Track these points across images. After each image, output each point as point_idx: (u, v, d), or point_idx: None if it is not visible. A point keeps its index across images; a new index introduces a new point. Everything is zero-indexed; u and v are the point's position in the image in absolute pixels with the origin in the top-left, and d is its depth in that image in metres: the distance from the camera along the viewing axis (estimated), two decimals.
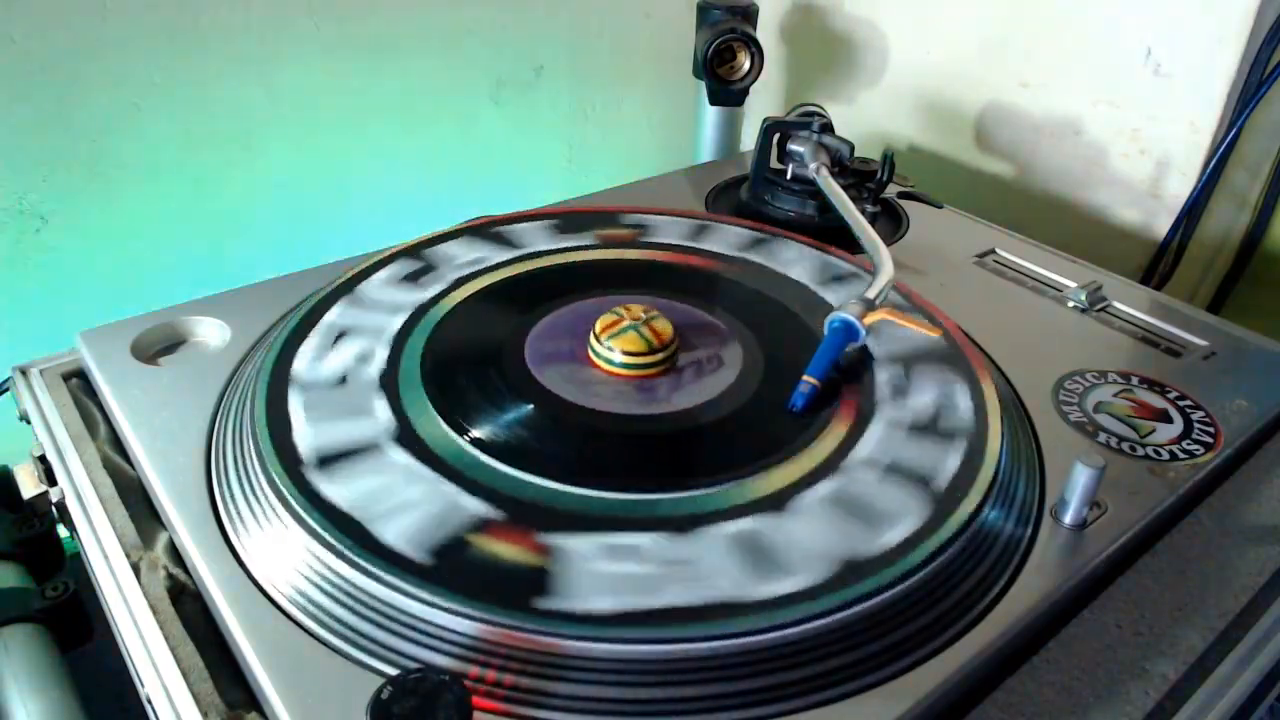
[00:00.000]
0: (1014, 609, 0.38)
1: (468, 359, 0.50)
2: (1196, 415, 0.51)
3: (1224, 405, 0.52)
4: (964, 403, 0.48)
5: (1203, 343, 0.58)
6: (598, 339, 0.49)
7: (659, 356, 0.49)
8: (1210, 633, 0.40)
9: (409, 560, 0.37)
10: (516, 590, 0.36)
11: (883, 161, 0.68)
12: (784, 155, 0.71)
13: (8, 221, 0.68)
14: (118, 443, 0.49)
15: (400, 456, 0.43)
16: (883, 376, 0.50)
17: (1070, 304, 0.61)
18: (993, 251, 0.68)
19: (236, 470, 0.43)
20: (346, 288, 0.55)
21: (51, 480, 0.48)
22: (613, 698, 0.34)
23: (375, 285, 0.56)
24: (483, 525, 0.39)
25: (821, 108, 0.73)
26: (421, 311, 0.53)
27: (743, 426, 0.46)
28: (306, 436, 0.44)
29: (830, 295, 0.57)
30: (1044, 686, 0.37)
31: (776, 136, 0.71)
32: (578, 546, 0.38)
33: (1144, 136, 0.78)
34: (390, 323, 0.52)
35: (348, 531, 0.38)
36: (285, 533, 0.39)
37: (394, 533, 0.38)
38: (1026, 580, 0.40)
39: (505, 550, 0.38)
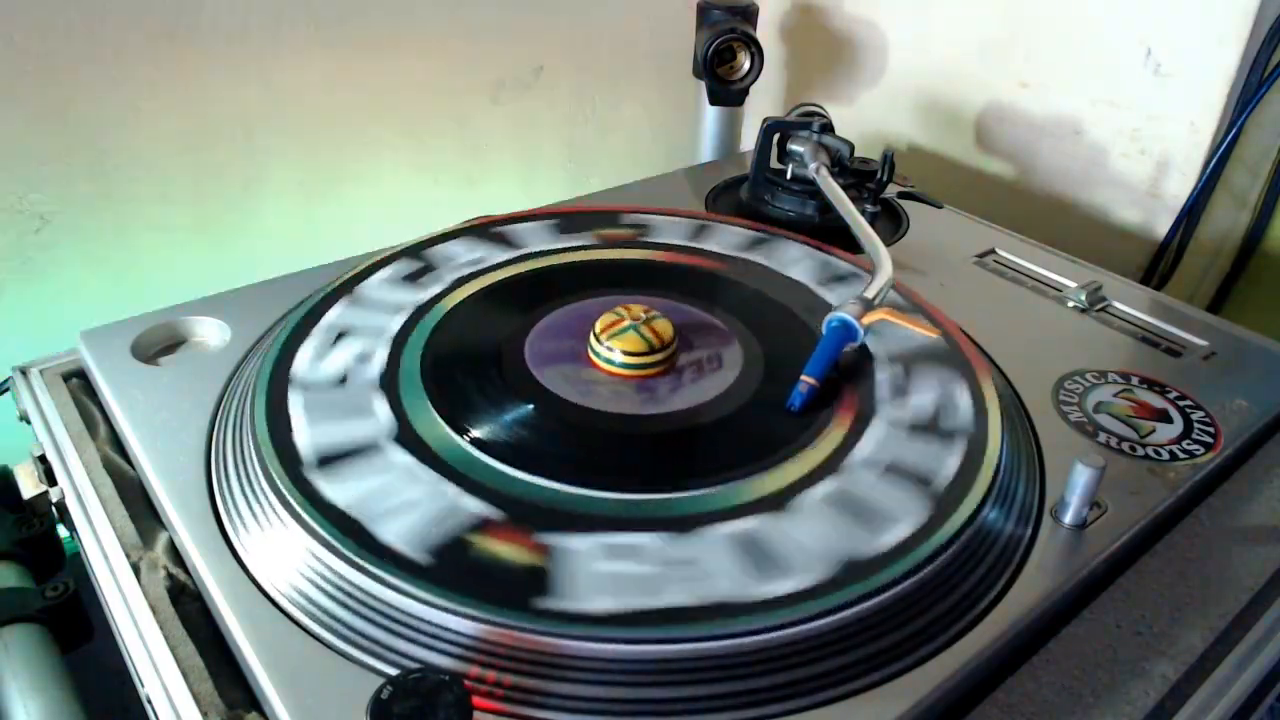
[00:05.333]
0: (1014, 609, 0.38)
1: (467, 359, 0.50)
2: (1196, 415, 0.51)
3: (1224, 405, 0.52)
4: (964, 403, 0.48)
5: (1203, 343, 0.58)
6: (598, 339, 0.49)
7: (659, 356, 0.49)
8: (1210, 633, 0.40)
9: (409, 560, 0.37)
10: (516, 590, 0.36)
11: (883, 161, 0.68)
12: (784, 155, 0.71)
13: (8, 221, 0.68)
14: (118, 443, 0.49)
15: (400, 456, 0.43)
16: (882, 376, 0.50)
17: (1070, 304, 0.61)
18: (993, 251, 0.68)
19: (236, 470, 0.43)
20: (346, 288, 0.55)
21: (51, 480, 0.48)
22: (613, 698, 0.34)
23: (375, 285, 0.56)
24: (482, 525, 0.39)
25: (821, 108, 0.73)
26: (421, 311, 0.53)
27: (742, 426, 0.46)
28: (306, 436, 0.44)
29: (830, 295, 0.57)
30: (1044, 686, 0.37)
31: (776, 136, 0.71)
32: (577, 546, 0.38)
33: (1144, 136, 0.78)
34: (390, 323, 0.52)
35: (348, 531, 0.38)
36: (285, 533, 0.39)
37: (394, 532, 0.38)
38: (1026, 580, 0.40)
39: (505, 550, 0.38)
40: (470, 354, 0.50)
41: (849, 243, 0.62)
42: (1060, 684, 0.37)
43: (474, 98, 0.89)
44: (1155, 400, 0.52)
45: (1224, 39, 0.71)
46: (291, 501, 0.40)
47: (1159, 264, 0.79)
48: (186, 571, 0.41)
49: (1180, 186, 0.77)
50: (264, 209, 0.80)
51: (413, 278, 0.57)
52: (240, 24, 0.72)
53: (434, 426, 0.45)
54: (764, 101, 1.05)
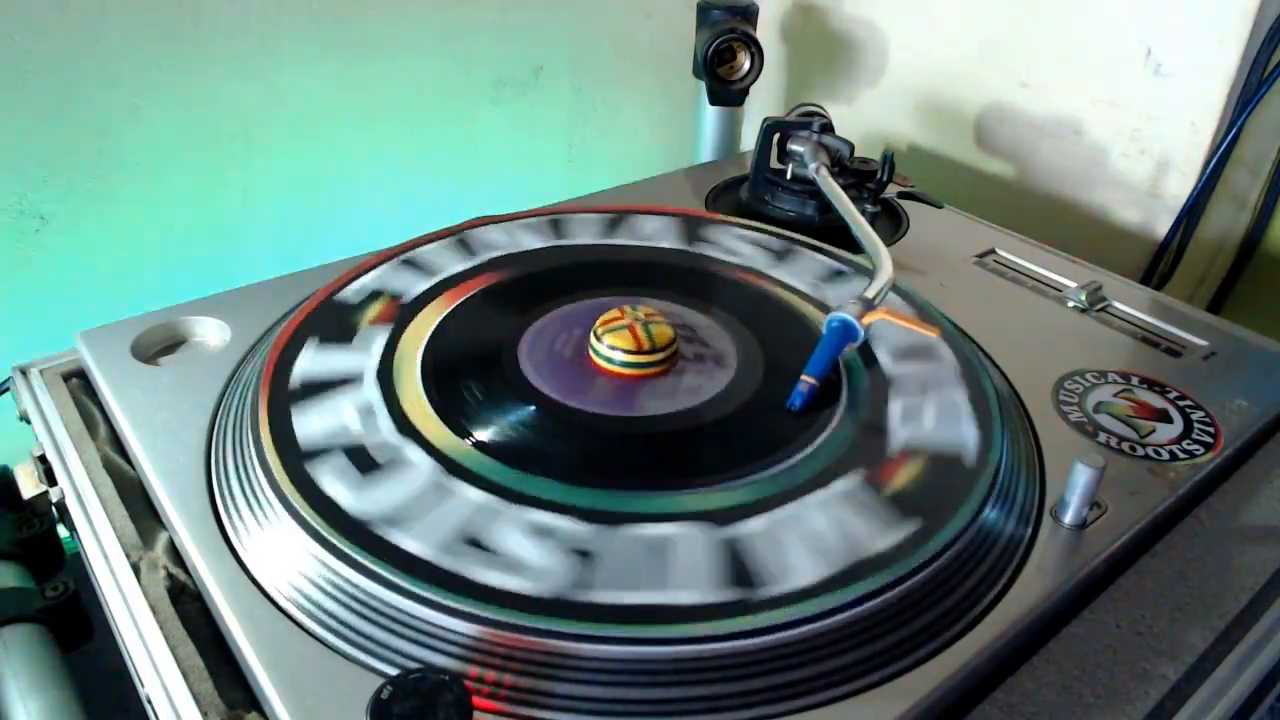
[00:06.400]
0: (1014, 609, 0.38)
1: (468, 359, 0.50)
2: (1196, 415, 0.51)
3: (1224, 405, 0.52)
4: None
5: (1203, 343, 0.58)
6: (598, 338, 0.49)
7: (659, 356, 0.49)
8: (1210, 633, 0.40)
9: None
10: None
11: (883, 161, 0.68)
12: (784, 155, 0.71)
13: (8, 221, 0.68)
14: (118, 443, 0.49)
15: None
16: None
17: (1070, 304, 0.61)
18: (993, 251, 0.68)
19: (236, 470, 0.43)
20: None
21: (51, 480, 0.48)
22: (613, 698, 0.34)
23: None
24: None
25: (821, 108, 0.73)
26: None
27: (741, 426, 0.46)
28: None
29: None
30: (1044, 686, 0.37)
31: (776, 136, 0.71)
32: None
33: (1144, 136, 0.78)
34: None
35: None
36: (285, 533, 0.39)
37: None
38: (1026, 580, 0.40)
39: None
40: (470, 354, 0.50)
41: (849, 243, 0.62)
42: (1060, 684, 0.37)
43: (474, 98, 0.89)
44: (1155, 400, 0.52)
45: (1224, 39, 0.71)
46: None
47: (1159, 264, 0.79)
48: (186, 571, 0.41)
49: (1180, 186, 0.77)
50: (264, 209, 0.80)
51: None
52: (240, 23, 0.72)
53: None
54: (764, 101, 1.05)
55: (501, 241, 0.61)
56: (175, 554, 0.42)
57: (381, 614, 0.36)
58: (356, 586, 0.36)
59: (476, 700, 0.32)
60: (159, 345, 0.54)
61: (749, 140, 0.85)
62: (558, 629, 0.34)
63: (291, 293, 0.56)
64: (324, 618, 0.36)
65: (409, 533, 0.38)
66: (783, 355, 0.51)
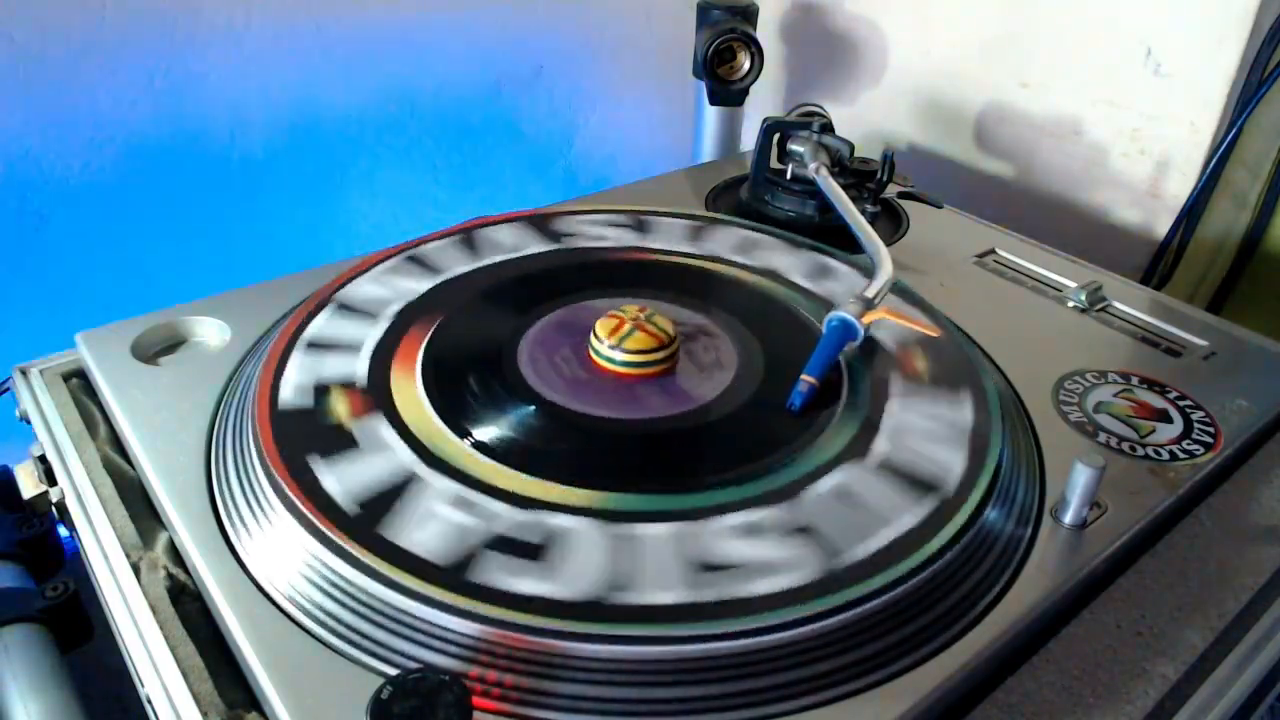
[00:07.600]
0: (1014, 609, 0.38)
1: (467, 359, 0.50)
2: (1196, 415, 0.51)
3: (1224, 405, 0.52)
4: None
5: (1203, 343, 0.58)
6: (598, 339, 0.49)
7: (659, 356, 0.49)
8: (1210, 633, 0.40)
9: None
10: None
11: (883, 161, 0.68)
12: (784, 155, 0.71)
13: (8, 221, 0.68)
14: (118, 443, 0.49)
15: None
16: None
17: (1070, 304, 0.61)
18: (993, 251, 0.68)
19: (236, 470, 0.43)
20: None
21: (51, 480, 0.48)
22: (613, 698, 0.34)
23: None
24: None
25: (821, 108, 0.73)
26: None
27: (741, 426, 0.46)
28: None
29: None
30: (1044, 686, 0.37)
31: (776, 136, 0.71)
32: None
33: (1144, 136, 0.78)
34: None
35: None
36: (285, 532, 0.39)
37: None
38: (1026, 580, 0.40)
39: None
40: (469, 354, 0.50)
41: (849, 243, 0.62)
42: (1060, 684, 0.37)
43: (474, 98, 0.89)
44: (1155, 400, 0.52)
45: (1224, 39, 0.71)
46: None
47: (1159, 264, 0.79)
48: (186, 571, 0.41)
49: (1180, 186, 0.77)
50: (264, 209, 0.80)
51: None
52: (241, 24, 0.72)
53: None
54: (764, 101, 1.05)
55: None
56: (175, 554, 0.42)
57: (381, 614, 0.36)
58: (356, 586, 0.36)
59: (476, 700, 0.32)
60: (159, 345, 0.54)
61: (749, 140, 0.85)
62: (558, 629, 0.34)
63: (291, 293, 0.56)
64: (324, 618, 0.36)
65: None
66: (783, 355, 0.51)
